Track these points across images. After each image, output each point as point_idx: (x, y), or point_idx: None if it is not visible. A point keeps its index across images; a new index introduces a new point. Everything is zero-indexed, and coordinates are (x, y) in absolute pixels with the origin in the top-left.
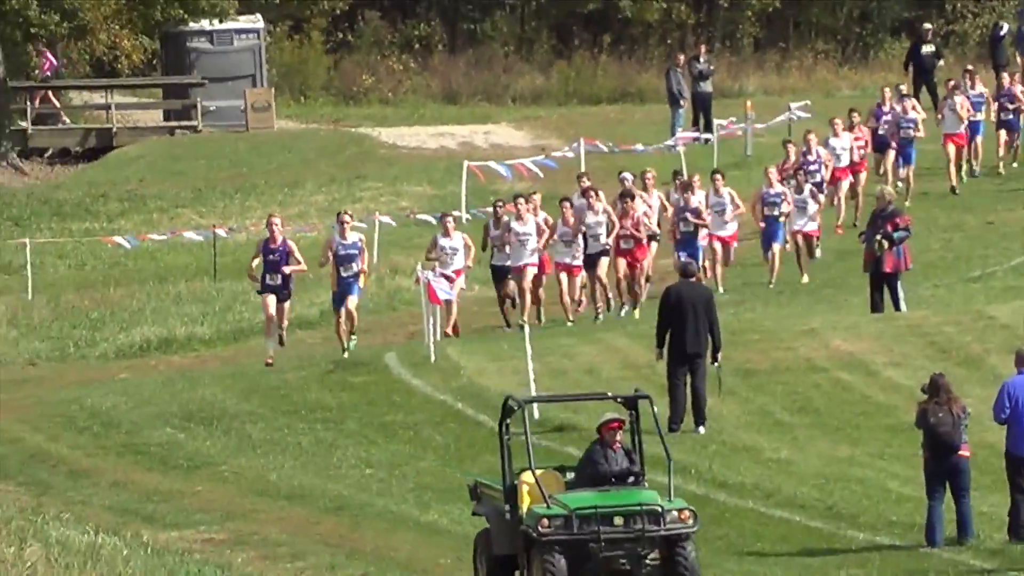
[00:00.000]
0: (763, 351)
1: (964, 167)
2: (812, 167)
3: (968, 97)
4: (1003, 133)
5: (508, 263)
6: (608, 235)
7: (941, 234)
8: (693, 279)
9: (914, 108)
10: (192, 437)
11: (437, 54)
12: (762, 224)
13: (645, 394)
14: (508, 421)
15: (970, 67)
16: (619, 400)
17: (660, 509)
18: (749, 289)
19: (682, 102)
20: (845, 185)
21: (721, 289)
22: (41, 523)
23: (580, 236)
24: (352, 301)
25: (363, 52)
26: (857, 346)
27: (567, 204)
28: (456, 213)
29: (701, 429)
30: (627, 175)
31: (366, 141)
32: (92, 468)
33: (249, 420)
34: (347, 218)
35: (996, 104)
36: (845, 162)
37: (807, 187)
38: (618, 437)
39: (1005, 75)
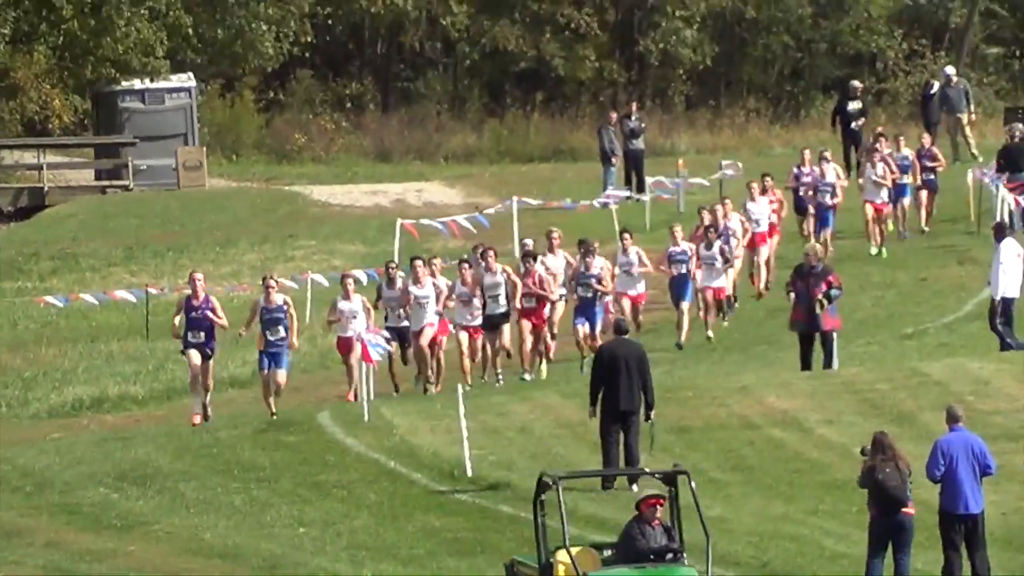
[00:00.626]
0: (696, 408)
1: (886, 231)
2: (723, 235)
3: (895, 160)
4: (923, 194)
5: (405, 324)
6: (509, 297)
7: (874, 291)
8: (626, 336)
9: (836, 174)
10: (125, 497)
11: (370, 113)
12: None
13: (684, 470)
14: (543, 497)
15: (881, 131)
16: (657, 476)
17: None
18: (671, 348)
19: (614, 160)
20: (764, 251)
21: None
22: None
23: (478, 296)
24: (281, 375)
25: (295, 110)
26: (790, 403)
27: (465, 264)
28: (356, 273)
29: (635, 487)
30: (528, 241)
31: (298, 199)
32: (25, 528)
33: (182, 479)
34: (272, 283)
35: (919, 164)
36: (764, 227)
37: (716, 244)
38: (657, 514)
39: (926, 136)
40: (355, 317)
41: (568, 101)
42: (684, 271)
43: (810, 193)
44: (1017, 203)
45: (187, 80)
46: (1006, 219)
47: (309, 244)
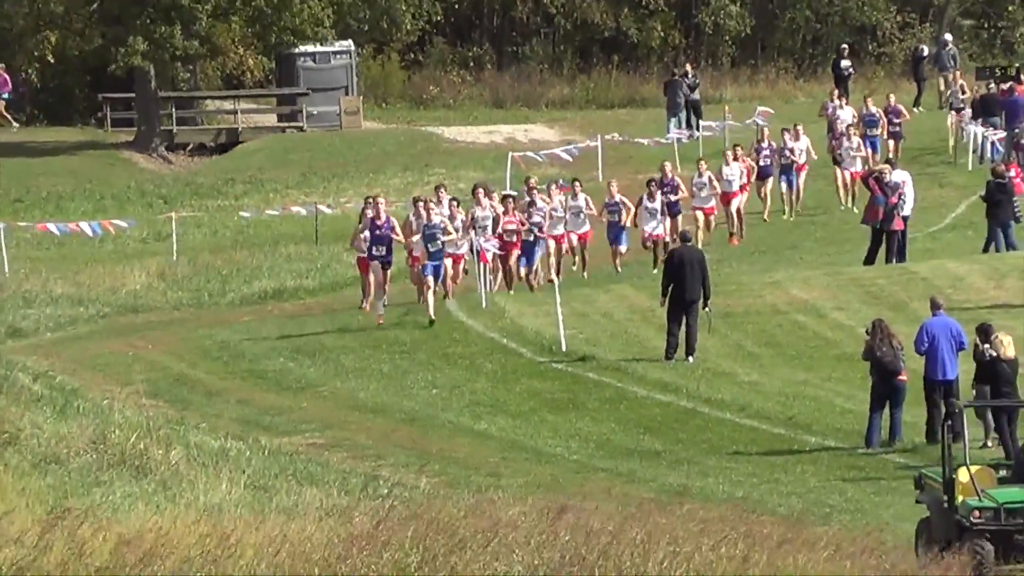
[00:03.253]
0: (738, 298)
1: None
2: (667, 187)
3: (863, 117)
4: (891, 143)
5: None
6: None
7: None
8: (690, 243)
9: (801, 139)
10: (300, 365)
11: (487, 70)
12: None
13: None
14: (948, 422)
15: (850, 125)
16: None
17: None
18: (719, 251)
19: (677, 110)
20: (735, 203)
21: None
22: (183, 431)
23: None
24: (441, 275)
25: (431, 69)
26: (810, 294)
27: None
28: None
29: (690, 359)
30: (510, 191)
31: (433, 138)
32: (223, 388)
33: (343, 352)
34: (432, 203)
35: (886, 119)
36: (736, 187)
37: (658, 196)
38: None
39: (892, 96)
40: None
41: (640, 62)
42: (616, 219)
43: (775, 162)
44: (993, 144)
45: (348, 45)
46: (978, 152)
47: (440, 172)
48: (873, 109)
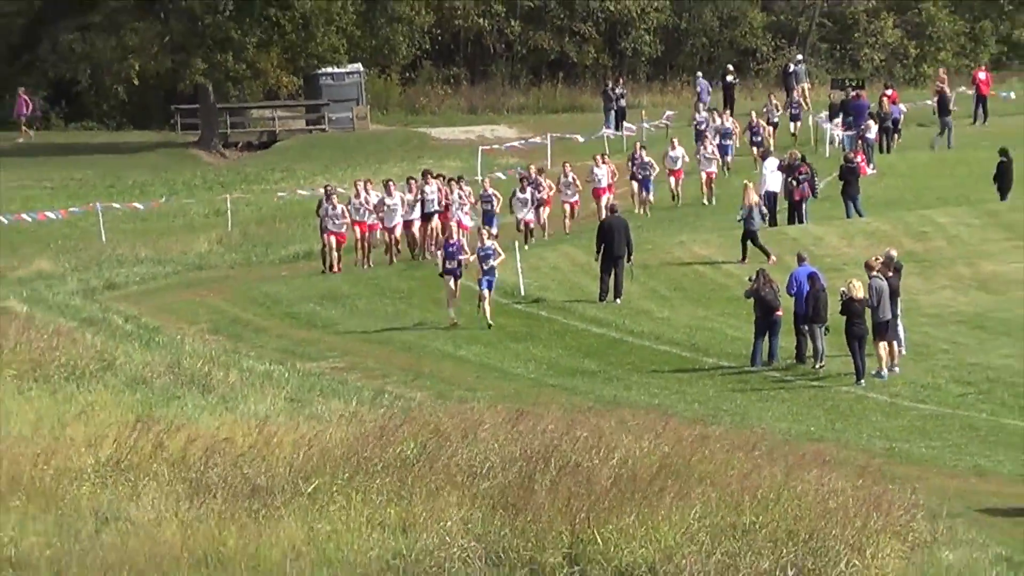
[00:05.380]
0: (653, 253)
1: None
2: (531, 184)
3: (720, 131)
4: (755, 149)
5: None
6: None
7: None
8: (616, 214)
9: (677, 149)
10: (324, 309)
11: (464, 85)
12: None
13: None
14: None
15: (714, 109)
16: None
17: None
18: (636, 221)
19: (611, 113)
20: (603, 200)
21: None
22: (238, 359)
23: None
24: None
25: (421, 84)
26: (708, 251)
27: (413, 181)
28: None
29: (618, 300)
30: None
31: (423, 136)
32: (267, 327)
33: (357, 298)
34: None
35: (748, 132)
36: (604, 184)
37: (529, 190)
38: None
39: (753, 112)
40: (397, 210)
41: (578, 77)
42: (490, 207)
43: (637, 169)
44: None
45: (358, 67)
46: (834, 144)
47: (430, 162)
48: (728, 124)
